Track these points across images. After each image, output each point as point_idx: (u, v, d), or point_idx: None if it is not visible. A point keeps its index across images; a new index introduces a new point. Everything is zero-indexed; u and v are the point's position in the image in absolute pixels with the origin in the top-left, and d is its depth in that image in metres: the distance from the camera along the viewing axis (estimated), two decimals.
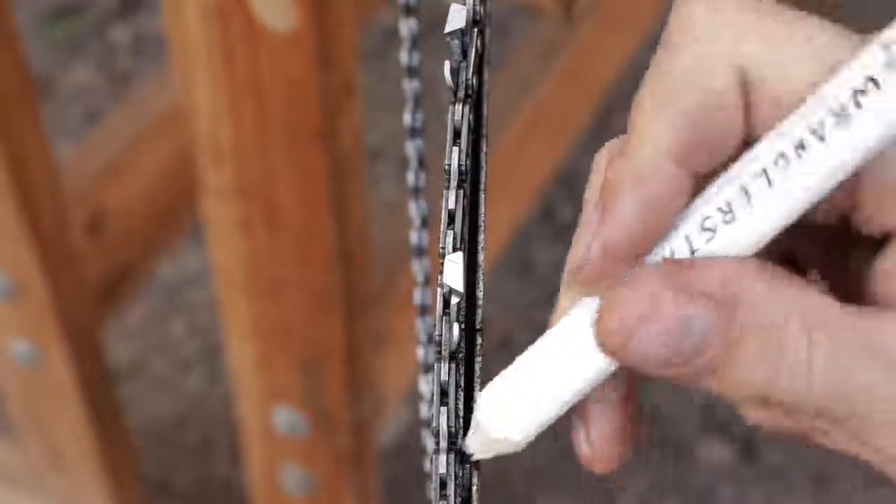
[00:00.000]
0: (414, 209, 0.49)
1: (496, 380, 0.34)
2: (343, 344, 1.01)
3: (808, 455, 1.60)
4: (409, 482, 1.49)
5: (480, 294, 0.36)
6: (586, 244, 0.33)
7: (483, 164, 0.38)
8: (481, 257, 0.36)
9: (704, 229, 0.32)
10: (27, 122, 1.02)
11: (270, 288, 0.98)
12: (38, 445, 1.29)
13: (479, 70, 0.37)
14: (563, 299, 0.35)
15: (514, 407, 0.33)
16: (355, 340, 1.02)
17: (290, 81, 0.84)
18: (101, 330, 1.24)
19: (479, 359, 0.35)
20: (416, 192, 0.49)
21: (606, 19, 1.49)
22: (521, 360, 0.34)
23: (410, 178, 0.48)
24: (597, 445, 0.34)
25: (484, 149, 0.38)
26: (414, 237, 0.50)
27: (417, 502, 1.47)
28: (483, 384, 0.35)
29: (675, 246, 0.33)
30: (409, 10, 0.49)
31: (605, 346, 0.32)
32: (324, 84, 0.84)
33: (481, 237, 0.37)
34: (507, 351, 1.65)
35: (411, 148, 0.48)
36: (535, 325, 1.66)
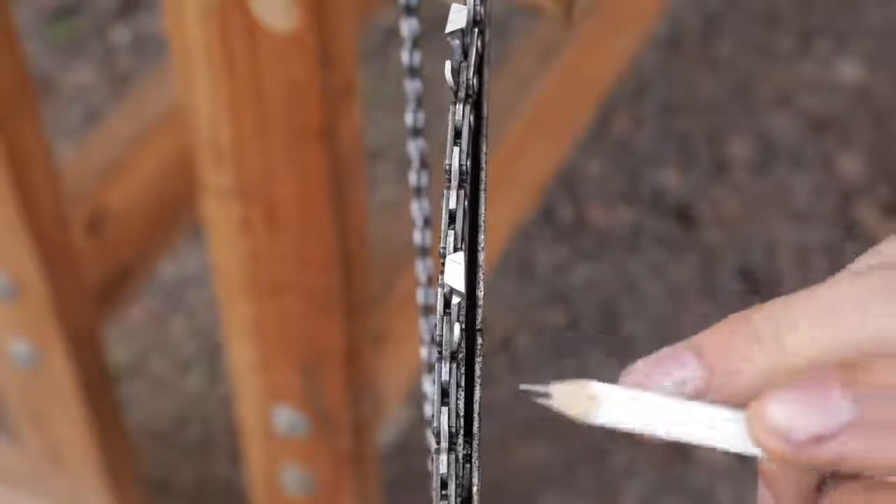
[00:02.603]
0: (416, 209, 0.49)
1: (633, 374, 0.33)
2: (343, 344, 1.00)
3: None
4: (409, 482, 1.49)
5: (481, 294, 0.36)
6: None
7: (483, 164, 0.38)
8: (481, 257, 0.36)
9: None
10: (27, 122, 1.02)
11: (270, 288, 0.98)
12: (38, 445, 1.29)
13: (479, 70, 0.37)
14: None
15: (624, 400, 0.32)
16: (355, 340, 1.02)
17: (291, 81, 0.84)
18: (101, 330, 1.24)
19: (479, 359, 0.35)
20: (419, 191, 0.49)
21: (606, 19, 1.49)
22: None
23: (412, 177, 0.48)
24: None
25: (484, 149, 0.38)
26: (417, 237, 0.50)
27: (417, 502, 1.47)
28: (483, 384, 0.35)
29: None
30: (409, 10, 0.49)
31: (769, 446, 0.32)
32: (324, 84, 0.84)
33: (481, 237, 0.37)
34: (507, 351, 1.65)
35: (413, 148, 0.48)
36: (535, 325, 1.66)
